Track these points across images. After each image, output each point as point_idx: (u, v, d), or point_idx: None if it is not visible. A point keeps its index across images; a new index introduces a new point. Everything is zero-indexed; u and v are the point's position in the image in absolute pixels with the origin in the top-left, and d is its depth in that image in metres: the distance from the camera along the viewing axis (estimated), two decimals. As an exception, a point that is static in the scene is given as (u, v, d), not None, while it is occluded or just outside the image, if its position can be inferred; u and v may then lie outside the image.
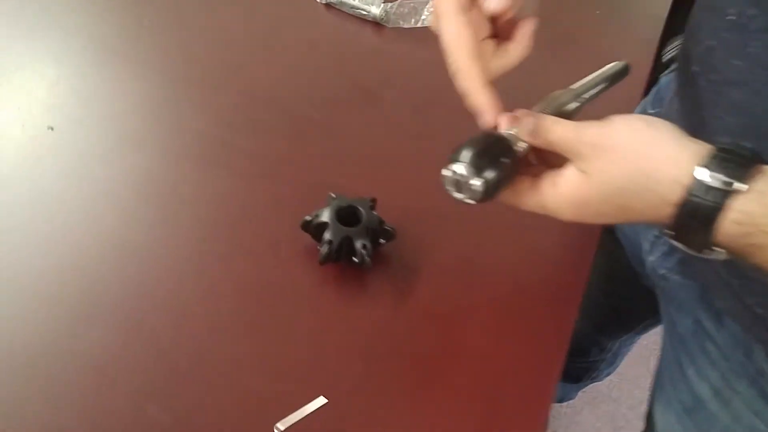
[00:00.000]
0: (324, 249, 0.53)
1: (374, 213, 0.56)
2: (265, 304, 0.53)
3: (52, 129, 0.62)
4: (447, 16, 0.40)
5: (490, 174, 0.37)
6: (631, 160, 0.35)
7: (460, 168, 0.37)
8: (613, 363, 1.04)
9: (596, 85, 0.46)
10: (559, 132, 0.37)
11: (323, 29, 0.80)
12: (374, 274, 0.56)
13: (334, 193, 0.58)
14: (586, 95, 0.45)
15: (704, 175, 0.32)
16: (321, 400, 0.47)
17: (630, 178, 0.34)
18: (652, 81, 0.78)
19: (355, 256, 0.54)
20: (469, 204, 0.38)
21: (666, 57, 0.86)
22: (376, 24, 0.80)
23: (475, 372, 0.51)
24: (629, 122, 0.36)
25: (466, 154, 0.37)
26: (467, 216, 0.61)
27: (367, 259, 0.53)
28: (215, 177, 0.61)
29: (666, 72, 0.63)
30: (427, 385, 0.50)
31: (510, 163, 0.38)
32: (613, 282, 0.78)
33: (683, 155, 0.33)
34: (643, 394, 1.50)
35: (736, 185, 0.31)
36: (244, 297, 0.53)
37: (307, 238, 0.55)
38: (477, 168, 0.37)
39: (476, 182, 0.37)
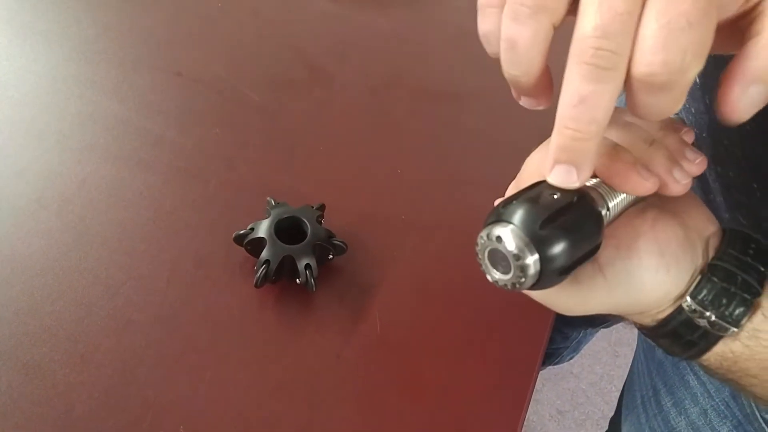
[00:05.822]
0: (260, 271, 0.45)
1: (322, 226, 0.47)
2: (186, 334, 0.44)
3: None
4: None
5: (557, 251, 0.22)
6: None
7: (506, 233, 0.23)
8: (576, 349, 1.01)
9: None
10: None
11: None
12: (321, 295, 0.48)
13: (274, 198, 0.49)
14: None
15: (689, 309, 0.27)
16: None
17: None
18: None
19: (297, 276, 0.46)
20: (507, 290, 0.24)
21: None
22: (329, -15, 0.69)
23: (436, 407, 0.45)
24: None
25: (519, 213, 0.22)
26: (430, 225, 0.54)
27: (311, 281, 0.45)
28: (130, 174, 0.52)
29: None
30: (382, 429, 0.44)
31: (592, 237, 0.24)
32: None
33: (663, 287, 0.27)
34: (603, 369, 1.50)
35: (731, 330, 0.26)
36: (161, 326, 0.44)
37: (241, 251, 0.47)
38: (536, 238, 0.22)
39: (530, 261, 0.22)
